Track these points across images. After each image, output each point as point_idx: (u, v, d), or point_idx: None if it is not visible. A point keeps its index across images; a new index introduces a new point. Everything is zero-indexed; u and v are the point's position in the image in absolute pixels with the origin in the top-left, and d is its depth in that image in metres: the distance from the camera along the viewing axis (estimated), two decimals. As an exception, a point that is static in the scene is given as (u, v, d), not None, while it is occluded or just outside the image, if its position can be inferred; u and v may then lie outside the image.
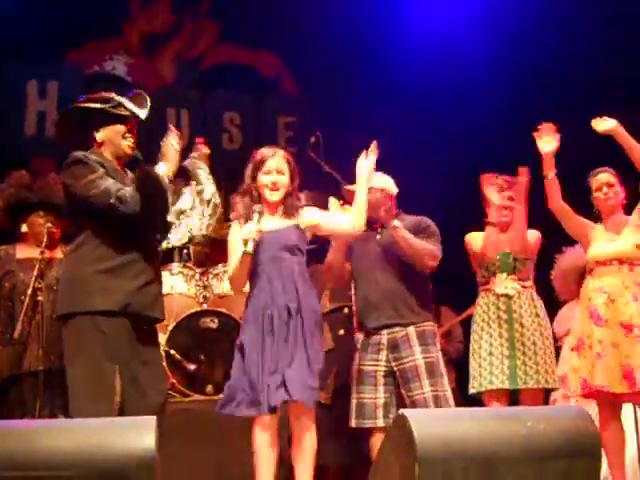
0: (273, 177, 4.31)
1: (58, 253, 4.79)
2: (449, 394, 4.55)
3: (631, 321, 4.46)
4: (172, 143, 3.99)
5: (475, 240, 5.00)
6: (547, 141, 4.68)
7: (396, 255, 4.64)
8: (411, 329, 4.58)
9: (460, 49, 8.59)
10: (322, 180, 5.20)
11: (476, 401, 4.89)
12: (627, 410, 4.63)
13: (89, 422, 2.80)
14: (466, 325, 5.94)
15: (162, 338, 5.78)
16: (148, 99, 4.08)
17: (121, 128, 3.99)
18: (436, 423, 2.85)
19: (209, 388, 5.68)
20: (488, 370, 4.74)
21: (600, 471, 3.00)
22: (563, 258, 5.88)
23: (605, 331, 4.48)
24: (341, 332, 5.20)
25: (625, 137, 4.54)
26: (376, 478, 3.12)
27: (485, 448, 2.81)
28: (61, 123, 4.07)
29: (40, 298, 4.59)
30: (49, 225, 4.73)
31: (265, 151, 4.39)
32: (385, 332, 4.59)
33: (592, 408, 4.57)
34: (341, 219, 4.42)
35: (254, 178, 4.35)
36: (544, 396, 4.86)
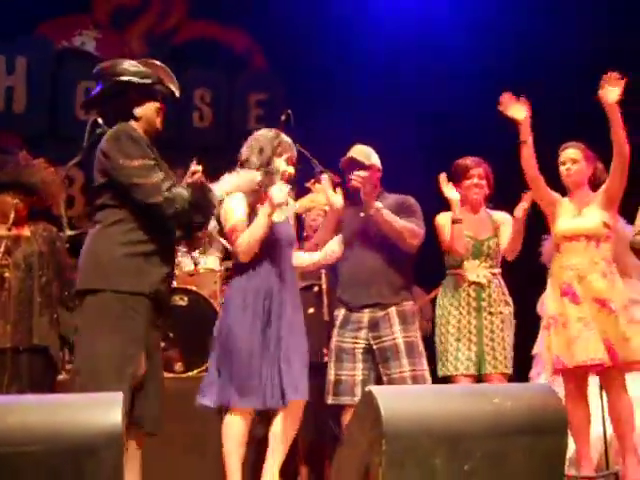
0: (292, 169, 4.35)
1: (25, 231, 4.75)
2: (427, 373, 4.56)
3: (604, 296, 4.51)
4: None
5: (446, 226, 4.99)
6: (517, 109, 4.68)
7: (379, 234, 4.61)
8: (392, 309, 4.57)
9: (434, 27, 8.55)
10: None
11: (445, 380, 4.93)
12: (592, 388, 4.68)
13: (56, 398, 2.80)
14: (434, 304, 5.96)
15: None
16: (174, 77, 4.05)
17: (157, 105, 3.93)
18: (403, 400, 2.86)
19: (178, 366, 5.68)
20: (454, 355, 4.79)
21: (566, 448, 3.04)
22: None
23: (581, 308, 4.51)
24: (311, 310, 5.19)
25: (616, 113, 4.52)
26: (344, 454, 3.14)
27: (452, 424, 2.83)
28: (104, 93, 3.91)
29: (7, 275, 4.56)
30: (16, 202, 4.69)
31: (285, 138, 4.38)
32: (366, 311, 4.57)
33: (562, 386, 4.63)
34: None
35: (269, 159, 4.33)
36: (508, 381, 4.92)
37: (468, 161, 5.03)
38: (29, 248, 4.68)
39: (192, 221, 3.82)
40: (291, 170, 4.28)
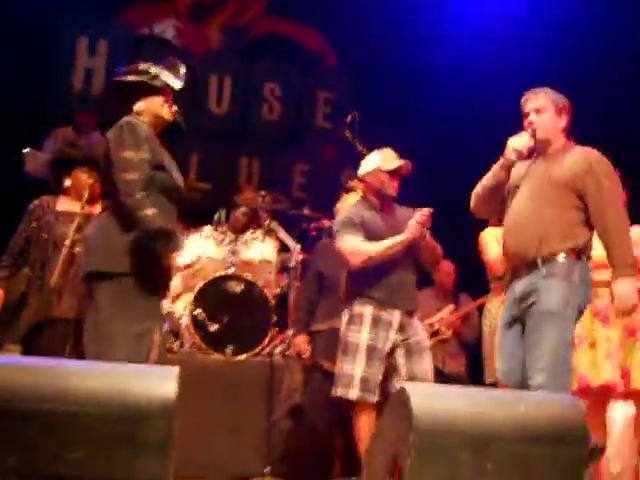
0: None
1: (98, 209, 4.95)
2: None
3: (633, 324, 4.60)
4: None
5: (490, 247, 5.09)
6: None
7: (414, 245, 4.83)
8: (415, 316, 4.88)
9: (515, 27, 8.43)
10: (356, 158, 5.33)
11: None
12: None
13: (116, 366, 2.99)
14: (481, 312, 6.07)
15: (189, 298, 6.00)
16: (183, 68, 4.26)
17: (158, 99, 4.15)
18: (434, 398, 3.02)
19: (228, 350, 5.85)
20: None
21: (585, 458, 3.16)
22: None
23: (614, 331, 4.63)
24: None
25: None
26: (375, 446, 3.33)
27: (479, 425, 2.97)
28: (106, 97, 4.22)
29: (78, 250, 4.76)
30: (91, 181, 4.89)
31: None
32: (398, 313, 4.75)
33: None
34: None
35: None
36: None
37: None
38: (93, 228, 4.88)
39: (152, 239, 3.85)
40: None
